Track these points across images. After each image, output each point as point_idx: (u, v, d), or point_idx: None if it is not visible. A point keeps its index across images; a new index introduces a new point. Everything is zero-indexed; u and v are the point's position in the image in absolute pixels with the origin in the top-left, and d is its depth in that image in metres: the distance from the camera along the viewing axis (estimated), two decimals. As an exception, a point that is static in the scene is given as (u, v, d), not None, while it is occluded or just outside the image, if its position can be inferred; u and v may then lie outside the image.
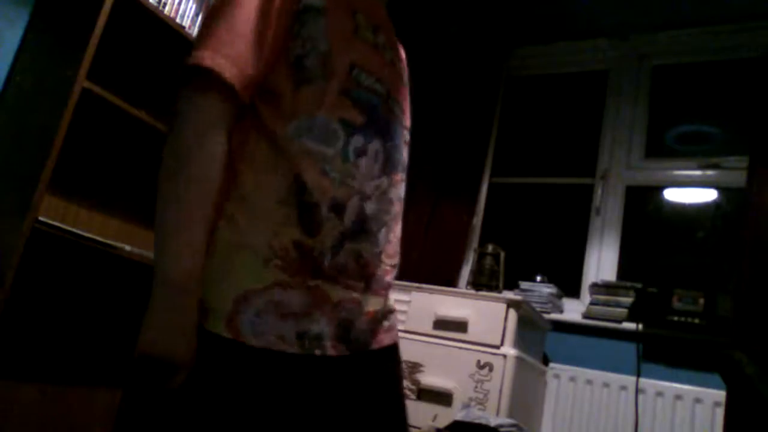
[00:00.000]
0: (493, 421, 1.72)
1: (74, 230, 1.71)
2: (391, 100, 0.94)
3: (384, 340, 0.95)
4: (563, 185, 2.98)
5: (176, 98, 0.86)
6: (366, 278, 0.89)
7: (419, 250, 2.76)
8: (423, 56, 3.22)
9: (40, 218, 1.60)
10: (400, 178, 0.96)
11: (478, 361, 1.98)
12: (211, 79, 0.82)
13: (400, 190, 0.96)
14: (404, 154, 0.98)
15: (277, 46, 0.84)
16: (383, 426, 0.92)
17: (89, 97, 1.69)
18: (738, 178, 2.37)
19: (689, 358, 2.26)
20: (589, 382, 2.33)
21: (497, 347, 2.00)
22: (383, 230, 0.92)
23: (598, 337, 2.44)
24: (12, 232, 1.54)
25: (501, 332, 2.01)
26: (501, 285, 2.46)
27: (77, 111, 1.65)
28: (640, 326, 2.32)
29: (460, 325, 2.07)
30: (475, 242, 2.95)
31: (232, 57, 0.80)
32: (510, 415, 1.89)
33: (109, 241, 1.81)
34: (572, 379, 2.36)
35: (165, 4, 1.93)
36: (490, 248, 2.51)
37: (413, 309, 2.18)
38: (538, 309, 2.36)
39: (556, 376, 2.39)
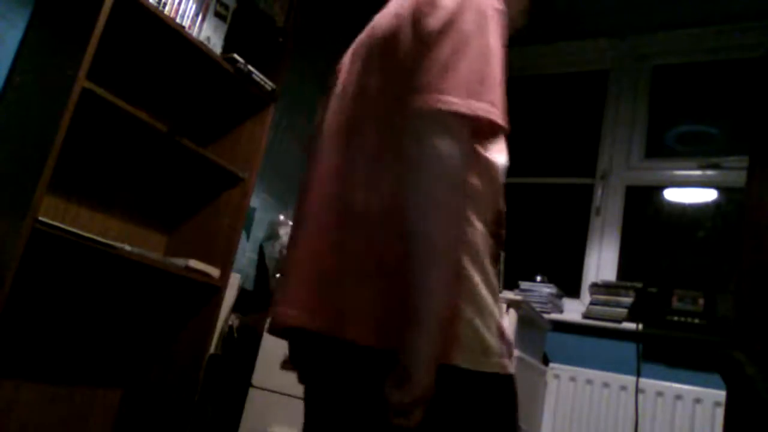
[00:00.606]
0: (493, 421, 1.72)
1: (74, 230, 1.71)
2: None
3: None
4: (563, 185, 2.98)
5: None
6: None
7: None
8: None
9: (40, 218, 1.60)
10: None
11: (478, 361, 1.98)
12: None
13: None
14: None
15: None
16: None
17: (89, 97, 1.69)
18: (738, 178, 2.37)
19: (689, 358, 2.26)
20: (589, 382, 2.33)
21: (497, 347, 2.00)
22: None
23: (598, 337, 2.44)
24: (12, 232, 1.54)
25: (501, 332, 2.01)
26: (501, 285, 2.46)
27: (77, 111, 1.65)
28: (640, 326, 2.32)
29: (460, 325, 2.07)
30: (475, 242, 2.95)
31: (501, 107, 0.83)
32: (510, 415, 1.89)
33: (109, 241, 1.81)
34: (572, 379, 2.36)
35: (165, 4, 1.93)
36: (490, 248, 2.51)
37: (413, 309, 2.18)
38: (538, 309, 2.36)
39: (556, 376, 2.39)
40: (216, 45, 2.13)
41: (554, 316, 2.50)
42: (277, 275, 0.85)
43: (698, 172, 2.62)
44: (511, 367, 0.93)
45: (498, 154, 0.87)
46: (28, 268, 1.83)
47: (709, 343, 2.18)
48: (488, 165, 0.85)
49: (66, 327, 1.99)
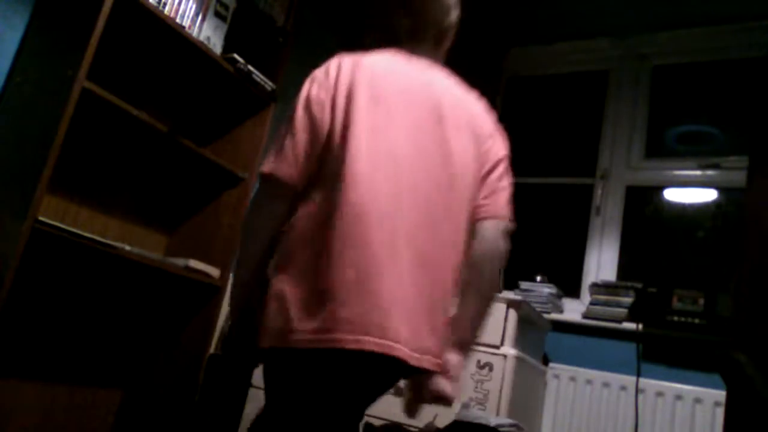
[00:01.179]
0: (492, 421, 1.72)
1: (74, 230, 1.71)
2: None
3: None
4: (563, 185, 2.97)
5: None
6: None
7: (419, 250, 2.76)
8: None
9: (40, 218, 1.60)
10: None
11: (478, 361, 1.98)
12: None
13: None
14: None
15: None
16: None
17: (89, 97, 1.69)
18: (738, 178, 2.37)
19: (689, 358, 2.26)
20: (589, 382, 2.33)
21: (497, 347, 2.00)
22: None
23: (598, 337, 2.44)
24: (12, 232, 1.54)
25: (501, 332, 2.01)
26: (501, 285, 2.46)
27: (77, 111, 1.65)
28: (640, 326, 2.32)
29: (460, 325, 2.07)
30: (475, 242, 2.95)
31: None
32: (510, 415, 1.89)
33: (109, 241, 1.81)
34: (572, 379, 2.36)
35: (165, 4, 1.93)
36: (490, 248, 2.51)
37: (413, 309, 2.18)
38: (538, 309, 2.36)
39: (556, 376, 2.39)
40: (216, 45, 2.13)
41: (554, 316, 2.50)
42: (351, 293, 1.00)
43: (698, 172, 2.61)
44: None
45: None
46: (28, 268, 1.83)
47: (709, 343, 2.18)
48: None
49: (66, 327, 1.99)
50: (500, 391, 1.92)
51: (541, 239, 2.95)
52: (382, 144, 1.09)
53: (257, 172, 1.18)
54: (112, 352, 2.12)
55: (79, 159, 1.99)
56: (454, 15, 1.30)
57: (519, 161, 3.15)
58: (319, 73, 1.17)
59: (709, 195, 2.65)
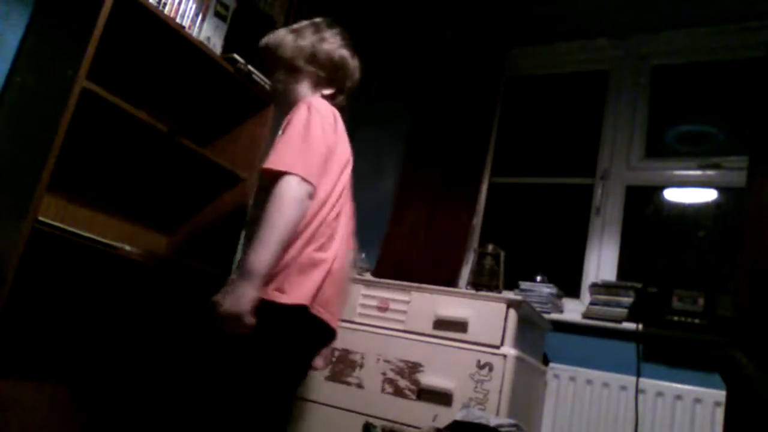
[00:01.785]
0: (493, 421, 1.72)
1: (74, 230, 1.71)
2: None
3: None
4: (563, 185, 2.97)
5: None
6: None
7: (419, 250, 2.76)
8: (423, 56, 3.22)
9: (40, 218, 1.60)
10: None
11: (478, 361, 1.98)
12: None
13: None
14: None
15: None
16: None
17: (89, 97, 1.69)
18: (738, 178, 2.37)
19: (689, 358, 2.26)
20: (589, 382, 2.33)
21: (497, 347, 2.00)
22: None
23: (598, 337, 2.44)
24: (12, 232, 1.54)
25: (501, 332, 2.01)
26: (501, 285, 2.46)
27: (77, 111, 1.65)
28: (640, 326, 2.32)
29: (460, 325, 2.07)
30: (475, 242, 2.95)
31: None
32: (510, 415, 1.89)
33: (109, 241, 1.81)
34: (572, 379, 2.36)
35: (165, 4, 1.93)
36: (490, 248, 2.51)
37: (413, 309, 2.18)
38: (538, 309, 2.36)
39: (556, 376, 2.39)
40: (216, 45, 2.13)
41: (554, 316, 2.50)
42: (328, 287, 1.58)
43: (698, 172, 2.61)
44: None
45: None
46: (28, 268, 1.83)
47: (709, 343, 2.18)
48: None
49: (66, 327, 1.98)
50: (500, 391, 1.92)
51: (541, 239, 2.95)
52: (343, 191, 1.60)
53: (283, 169, 1.40)
54: (112, 352, 2.12)
55: (79, 159, 1.99)
56: None
57: (519, 161, 3.17)
58: (325, 112, 1.54)
59: (709, 195, 2.65)
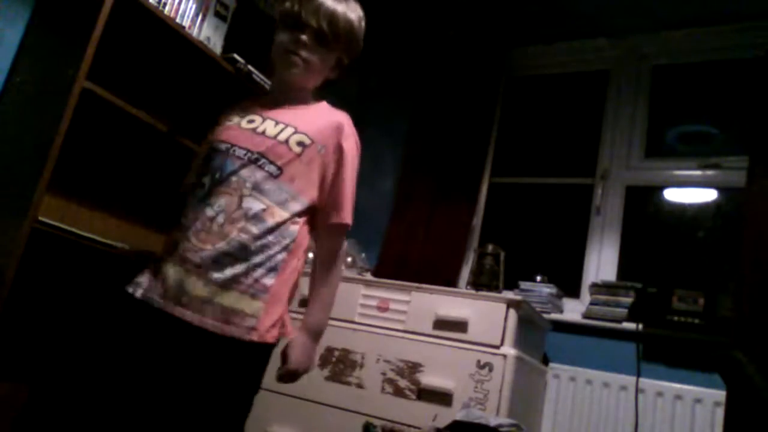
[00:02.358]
0: (493, 421, 1.72)
1: (74, 230, 1.71)
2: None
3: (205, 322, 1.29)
4: (563, 185, 2.98)
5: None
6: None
7: (419, 250, 2.76)
8: (423, 56, 3.22)
9: (40, 218, 1.60)
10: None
11: (478, 361, 1.98)
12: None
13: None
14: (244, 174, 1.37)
15: None
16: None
17: (89, 97, 1.69)
18: (738, 178, 2.37)
19: (689, 358, 2.26)
20: (589, 382, 2.33)
21: (497, 347, 2.00)
22: (197, 223, 1.35)
23: (598, 337, 2.44)
24: (12, 232, 1.54)
25: (501, 332, 2.01)
26: (501, 285, 2.46)
27: (77, 111, 1.65)
28: (640, 326, 2.32)
29: (460, 325, 2.07)
30: (475, 242, 2.95)
31: None
32: (510, 415, 1.89)
33: (109, 241, 1.81)
34: (572, 379, 2.36)
35: (165, 4, 1.93)
36: (490, 248, 2.51)
37: (413, 309, 2.18)
38: (538, 309, 2.36)
39: (556, 376, 2.39)
40: (216, 45, 2.13)
41: (554, 316, 2.50)
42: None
43: (698, 172, 2.61)
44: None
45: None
46: (28, 268, 1.83)
47: (709, 343, 2.18)
48: None
49: (66, 327, 1.98)
50: (500, 391, 1.92)
51: (541, 239, 2.95)
52: None
53: (346, 223, 1.39)
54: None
55: (79, 159, 1.98)
56: None
57: (519, 161, 3.17)
58: None
59: (709, 195, 2.65)
